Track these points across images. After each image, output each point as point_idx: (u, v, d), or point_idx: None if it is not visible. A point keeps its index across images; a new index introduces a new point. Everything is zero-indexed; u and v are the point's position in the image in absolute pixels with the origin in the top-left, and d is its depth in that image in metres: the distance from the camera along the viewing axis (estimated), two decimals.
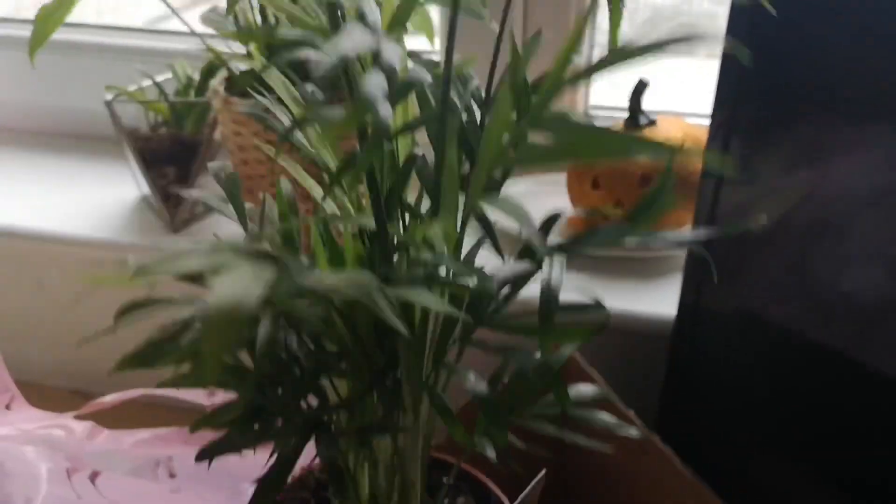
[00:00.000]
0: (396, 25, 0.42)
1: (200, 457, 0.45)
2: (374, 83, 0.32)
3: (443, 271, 0.42)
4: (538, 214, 0.92)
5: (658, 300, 0.82)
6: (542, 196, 0.96)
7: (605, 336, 0.80)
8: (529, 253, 0.46)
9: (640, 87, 0.86)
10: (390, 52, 0.34)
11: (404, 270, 0.44)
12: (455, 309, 0.44)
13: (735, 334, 0.73)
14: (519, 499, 0.56)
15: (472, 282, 0.41)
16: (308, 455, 0.48)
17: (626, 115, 0.87)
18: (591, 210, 0.88)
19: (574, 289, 0.60)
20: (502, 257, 0.47)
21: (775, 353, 0.70)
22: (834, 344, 0.65)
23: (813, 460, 0.70)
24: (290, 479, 0.52)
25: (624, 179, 0.85)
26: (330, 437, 0.47)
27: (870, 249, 0.61)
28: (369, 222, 0.43)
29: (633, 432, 0.52)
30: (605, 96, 1.03)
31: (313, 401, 0.50)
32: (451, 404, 0.46)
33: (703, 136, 0.86)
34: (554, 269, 0.45)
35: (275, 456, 0.46)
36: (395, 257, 0.46)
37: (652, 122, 0.87)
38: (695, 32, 0.34)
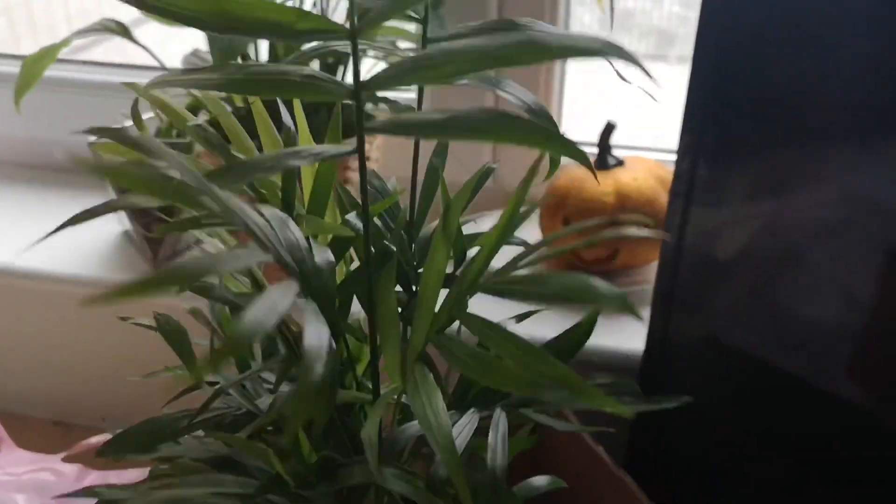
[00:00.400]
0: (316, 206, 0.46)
1: None
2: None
3: None
4: (509, 248, 0.94)
5: (627, 335, 0.85)
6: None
7: (579, 371, 0.83)
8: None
9: (609, 129, 0.89)
10: None
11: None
12: None
13: (703, 367, 0.75)
14: None
15: None
16: None
17: (595, 153, 0.90)
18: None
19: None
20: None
21: (743, 384, 0.73)
22: (799, 372, 0.67)
23: (782, 489, 0.73)
24: None
25: (594, 218, 0.88)
26: None
27: (830, 278, 0.63)
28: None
29: None
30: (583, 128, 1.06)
31: None
32: None
33: (669, 175, 0.89)
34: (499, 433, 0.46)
35: None
36: None
37: (620, 163, 0.90)
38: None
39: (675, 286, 0.74)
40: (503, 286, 0.42)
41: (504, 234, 0.45)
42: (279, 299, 0.33)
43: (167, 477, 0.41)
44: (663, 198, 0.88)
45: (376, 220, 0.51)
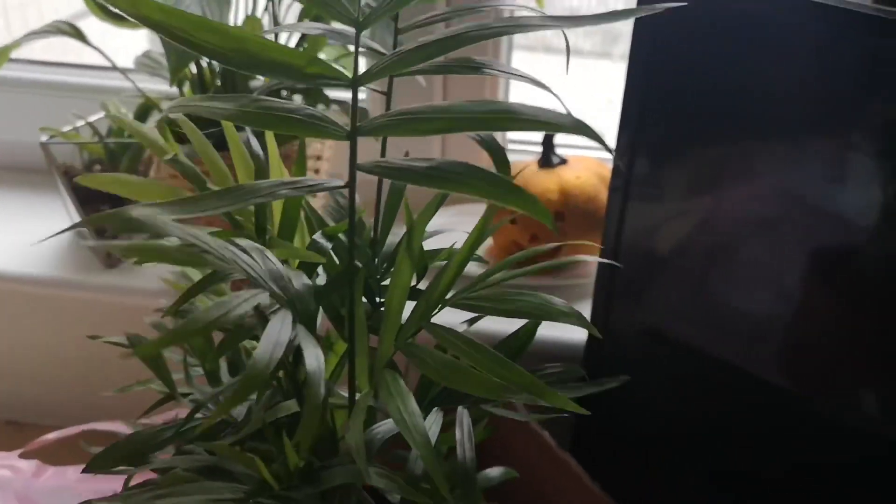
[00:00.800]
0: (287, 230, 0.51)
1: None
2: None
3: None
4: (459, 242, 0.97)
5: (570, 327, 0.88)
6: (463, 226, 1.02)
7: (525, 362, 0.86)
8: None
9: None
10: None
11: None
12: None
13: (642, 355, 0.79)
14: None
15: None
16: None
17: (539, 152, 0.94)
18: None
19: None
20: None
21: (679, 371, 0.77)
22: (731, 359, 0.71)
23: (718, 468, 0.77)
24: None
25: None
26: None
27: (760, 269, 0.67)
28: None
29: None
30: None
31: None
32: None
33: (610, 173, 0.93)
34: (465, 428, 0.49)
35: None
36: None
37: (563, 162, 0.94)
38: None
39: (614, 278, 0.78)
40: (473, 303, 0.47)
41: (470, 252, 0.50)
42: (281, 331, 0.39)
43: (157, 487, 0.43)
44: (604, 194, 0.92)
45: (341, 237, 0.54)
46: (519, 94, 1.07)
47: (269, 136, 0.53)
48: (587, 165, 0.94)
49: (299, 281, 0.46)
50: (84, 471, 0.48)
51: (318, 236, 0.53)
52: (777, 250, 0.66)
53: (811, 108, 0.61)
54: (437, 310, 0.48)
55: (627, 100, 0.70)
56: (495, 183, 0.41)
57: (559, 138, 0.94)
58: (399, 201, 0.57)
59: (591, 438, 0.85)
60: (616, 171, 0.73)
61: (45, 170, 0.95)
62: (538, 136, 0.95)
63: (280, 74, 0.42)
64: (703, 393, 0.76)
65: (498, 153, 0.51)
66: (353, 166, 0.44)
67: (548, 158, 0.94)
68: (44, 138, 0.91)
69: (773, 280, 0.67)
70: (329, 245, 0.53)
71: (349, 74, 0.43)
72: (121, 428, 0.76)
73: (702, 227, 0.70)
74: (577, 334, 0.86)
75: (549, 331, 0.86)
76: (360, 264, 0.53)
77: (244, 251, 0.44)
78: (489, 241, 0.98)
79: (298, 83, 0.43)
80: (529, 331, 0.60)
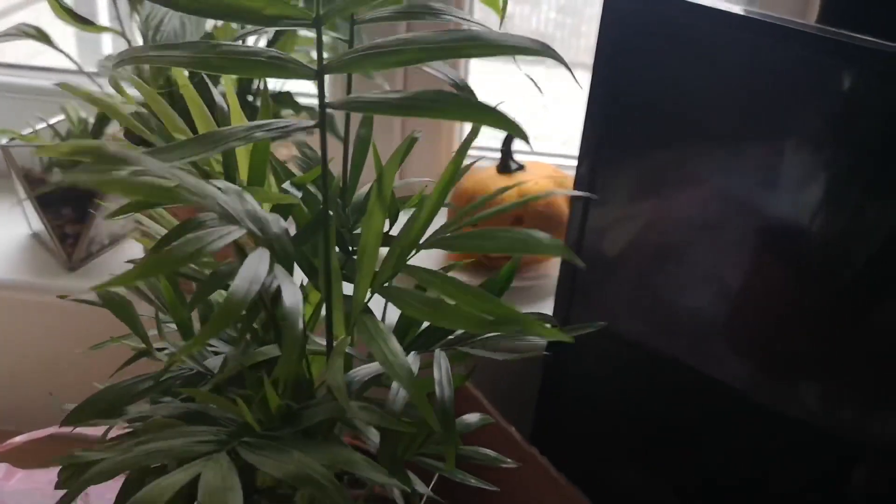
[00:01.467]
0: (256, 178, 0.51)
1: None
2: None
3: None
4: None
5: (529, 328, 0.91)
6: None
7: (487, 360, 0.89)
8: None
9: (510, 136, 0.96)
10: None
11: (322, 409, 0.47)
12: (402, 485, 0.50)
13: (601, 353, 0.82)
14: None
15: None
16: None
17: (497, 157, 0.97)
18: None
19: None
20: None
21: (636, 368, 0.80)
22: (682, 357, 0.75)
23: (667, 459, 0.81)
24: None
25: (498, 219, 0.94)
26: None
27: (706, 271, 0.71)
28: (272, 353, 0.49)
29: (509, 462, 0.58)
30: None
31: None
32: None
33: (566, 179, 0.97)
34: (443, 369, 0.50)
35: None
36: None
37: (521, 167, 0.97)
38: None
39: (575, 280, 0.80)
40: (452, 241, 0.47)
41: (442, 195, 0.49)
42: (258, 268, 0.38)
43: (138, 435, 0.43)
44: (560, 199, 0.95)
45: (310, 188, 0.54)
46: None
47: (230, 90, 0.53)
48: (544, 171, 0.97)
49: (276, 223, 0.46)
50: (62, 424, 0.47)
51: (287, 185, 0.54)
52: (729, 251, 0.69)
53: (757, 116, 0.65)
54: (413, 252, 0.48)
55: (590, 110, 0.72)
56: (467, 105, 0.40)
57: (516, 145, 0.97)
58: (366, 150, 0.57)
59: (550, 436, 0.88)
60: (579, 177, 0.75)
61: (2, 173, 0.95)
62: (497, 142, 0.97)
63: (239, 17, 0.41)
64: (657, 389, 0.79)
65: (466, 88, 0.51)
66: (323, 105, 0.44)
67: (506, 164, 0.96)
68: (3, 141, 0.91)
69: (728, 280, 0.70)
70: (299, 194, 0.53)
71: (312, 14, 0.42)
72: (90, 430, 0.76)
73: (659, 230, 0.73)
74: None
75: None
76: (330, 212, 0.53)
77: (220, 190, 0.44)
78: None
79: (260, 24, 0.43)
80: (510, 270, 0.58)
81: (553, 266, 0.99)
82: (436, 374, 0.47)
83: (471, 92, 0.51)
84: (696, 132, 0.68)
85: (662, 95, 0.69)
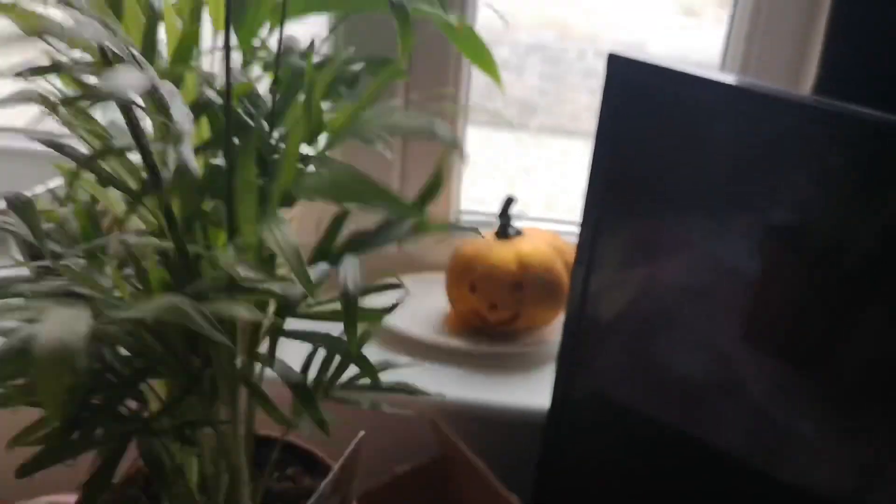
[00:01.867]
0: (181, 58, 0.52)
1: (22, 472, 0.48)
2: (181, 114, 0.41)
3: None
4: (418, 310, 0.97)
5: (532, 392, 0.88)
6: (420, 295, 1.01)
7: (488, 427, 0.87)
8: (325, 256, 0.55)
9: (508, 202, 0.96)
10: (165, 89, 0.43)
11: (210, 282, 0.49)
12: (260, 313, 0.51)
13: (602, 418, 0.78)
14: (341, 460, 0.61)
15: (276, 287, 0.48)
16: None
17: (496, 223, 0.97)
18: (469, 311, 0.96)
19: None
20: None
21: (631, 431, 0.76)
22: (686, 425, 0.71)
23: None
24: (119, 478, 0.56)
25: (498, 284, 0.93)
26: (148, 439, 0.52)
27: (710, 339, 0.68)
28: (167, 245, 0.49)
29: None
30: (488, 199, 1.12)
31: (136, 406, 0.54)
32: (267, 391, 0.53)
33: (564, 245, 0.96)
34: (349, 267, 0.51)
35: (97, 461, 0.50)
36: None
37: (519, 233, 0.96)
38: None
39: (576, 347, 0.77)
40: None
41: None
42: None
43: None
44: (559, 265, 0.94)
45: (238, 108, 0.55)
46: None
47: None
48: (542, 237, 0.96)
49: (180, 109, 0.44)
50: None
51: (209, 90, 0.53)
52: (734, 320, 0.67)
53: (756, 185, 0.63)
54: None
55: (592, 180, 0.72)
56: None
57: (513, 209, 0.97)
58: (300, 82, 0.58)
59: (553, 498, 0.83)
60: (581, 245, 0.74)
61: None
62: (494, 207, 0.98)
63: None
64: (664, 459, 0.75)
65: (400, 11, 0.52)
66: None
67: (505, 230, 0.96)
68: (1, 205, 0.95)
69: (733, 348, 0.67)
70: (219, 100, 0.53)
71: None
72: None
73: (664, 297, 0.71)
74: (537, 400, 0.86)
75: (512, 397, 0.87)
76: (251, 122, 0.54)
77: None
78: (449, 311, 1.00)
79: None
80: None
81: (553, 332, 0.96)
82: (341, 272, 0.50)
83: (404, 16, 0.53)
84: (696, 201, 0.67)
85: (663, 163, 0.68)
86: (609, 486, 0.79)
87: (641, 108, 0.68)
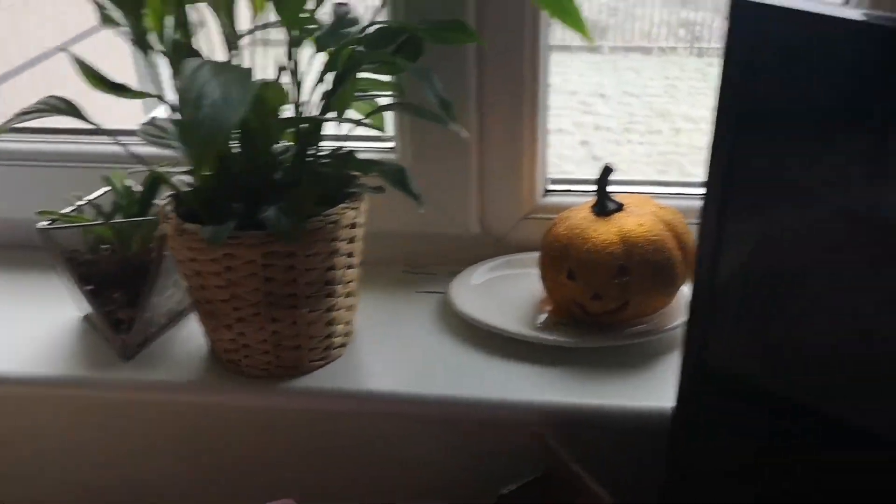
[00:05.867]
0: None
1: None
2: None
3: None
4: (510, 298, 0.89)
5: (651, 392, 0.79)
6: (511, 279, 0.93)
7: (599, 436, 0.77)
8: None
9: (606, 173, 0.83)
10: None
11: None
12: None
13: (736, 416, 0.69)
14: None
15: None
16: None
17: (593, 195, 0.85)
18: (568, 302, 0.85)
19: None
20: None
21: (779, 428, 0.67)
22: (848, 418, 0.62)
23: None
24: None
25: (600, 271, 0.81)
26: None
27: (852, 314, 0.59)
28: None
29: None
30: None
31: None
32: None
33: (673, 216, 0.84)
34: None
35: None
36: None
37: (619, 207, 0.84)
38: None
39: (708, 328, 0.67)
40: None
41: None
42: None
43: None
44: (671, 242, 0.82)
45: None
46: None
47: None
48: (649, 210, 0.83)
49: None
50: None
51: None
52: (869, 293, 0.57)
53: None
54: None
55: (718, 131, 0.61)
56: None
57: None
58: None
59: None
60: (706, 218, 0.63)
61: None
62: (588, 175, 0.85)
63: None
64: (822, 458, 0.66)
65: None
66: None
67: (603, 205, 0.83)
68: (43, 223, 0.82)
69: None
70: None
71: None
72: None
73: (796, 273, 0.61)
74: (661, 402, 0.76)
75: (632, 401, 0.78)
76: None
77: None
78: (544, 298, 0.89)
79: None
80: None
81: (667, 318, 0.85)
82: None
83: None
84: (845, 148, 0.57)
85: (798, 115, 0.59)
86: (746, 483, 0.72)
87: (771, 55, 0.59)
